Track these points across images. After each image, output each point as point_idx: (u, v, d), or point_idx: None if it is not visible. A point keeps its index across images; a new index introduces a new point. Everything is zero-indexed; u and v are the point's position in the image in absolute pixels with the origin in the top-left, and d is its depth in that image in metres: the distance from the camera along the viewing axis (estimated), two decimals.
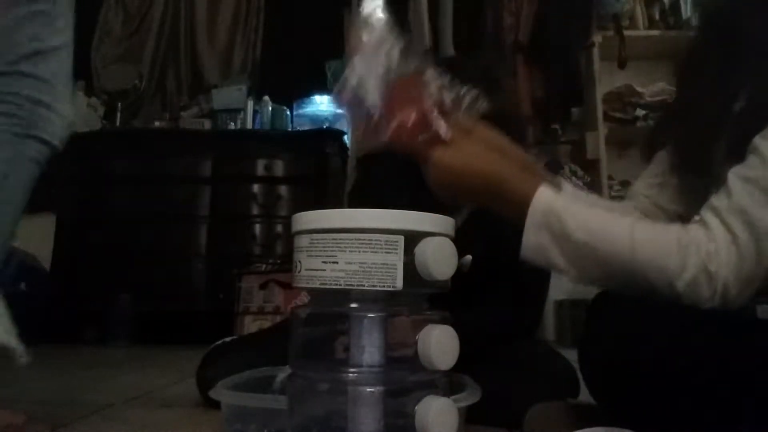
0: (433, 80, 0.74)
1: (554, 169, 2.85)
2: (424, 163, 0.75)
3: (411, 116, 0.72)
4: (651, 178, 0.93)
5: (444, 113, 0.74)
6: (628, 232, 0.70)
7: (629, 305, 0.70)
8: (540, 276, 1.18)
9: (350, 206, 1.05)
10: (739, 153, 0.70)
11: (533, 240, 0.72)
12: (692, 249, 0.67)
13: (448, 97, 0.75)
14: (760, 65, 0.73)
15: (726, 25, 0.77)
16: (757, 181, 0.67)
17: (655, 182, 0.91)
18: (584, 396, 0.84)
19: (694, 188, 0.79)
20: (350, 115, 0.73)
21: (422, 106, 0.73)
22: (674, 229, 0.70)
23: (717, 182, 0.71)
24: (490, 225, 0.88)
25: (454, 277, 0.61)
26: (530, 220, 0.72)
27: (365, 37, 0.71)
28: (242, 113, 3.00)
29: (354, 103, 0.72)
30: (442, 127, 0.73)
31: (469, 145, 0.75)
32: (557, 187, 0.83)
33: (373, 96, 0.71)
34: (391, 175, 1.11)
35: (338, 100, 0.71)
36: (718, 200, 0.69)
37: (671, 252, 0.67)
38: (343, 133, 2.93)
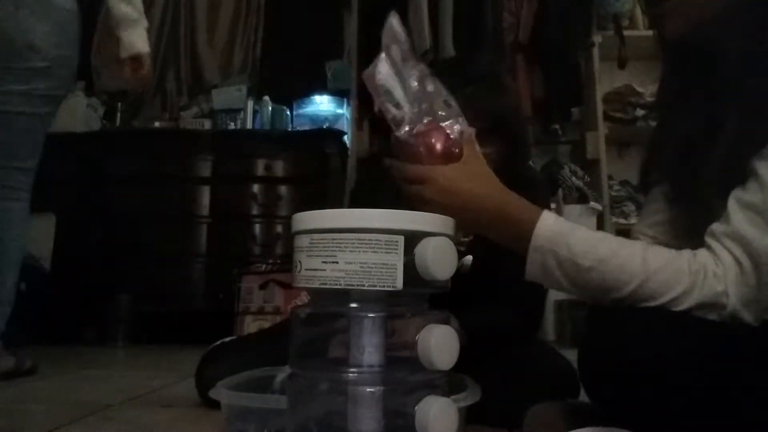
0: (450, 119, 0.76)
1: (554, 169, 2.86)
2: (427, 179, 0.75)
3: (433, 134, 0.74)
4: (651, 216, 0.92)
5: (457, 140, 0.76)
6: (641, 259, 0.70)
7: (630, 308, 0.70)
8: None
9: (351, 206, 1.05)
10: (731, 179, 0.70)
11: (539, 261, 0.73)
12: (701, 274, 0.68)
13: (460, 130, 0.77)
14: (745, 90, 0.72)
15: (706, 51, 0.76)
16: (755, 206, 0.67)
17: (656, 220, 0.91)
18: (584, 396, 0.84)
19: (694, 220, 0.78)
20: (374, 95, 0.74)
21: (441, 129, 0.75)
22: (685, 256, 0.70)
23: (713, 210, 0.71)
24: None
25: (455, 279, 0.61)
26: (535, 242, 0.73)
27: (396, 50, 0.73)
28: (242, 113, 3.01)
29: (380, 92, 0.72)
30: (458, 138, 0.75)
31: (477, 167, 0.77)
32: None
33: (399, 94, 0.72)
34: (392, 175, 1.11)
35: (369, 81, 0.71)
36: (718, 226, 0.69)
37: (682, 279, 0.68)
38: (343, 133, 2.93)
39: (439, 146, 0.74)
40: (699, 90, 0.78)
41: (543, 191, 1.28)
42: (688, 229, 0.79)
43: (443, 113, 0.75)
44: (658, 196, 0.90)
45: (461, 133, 0.76)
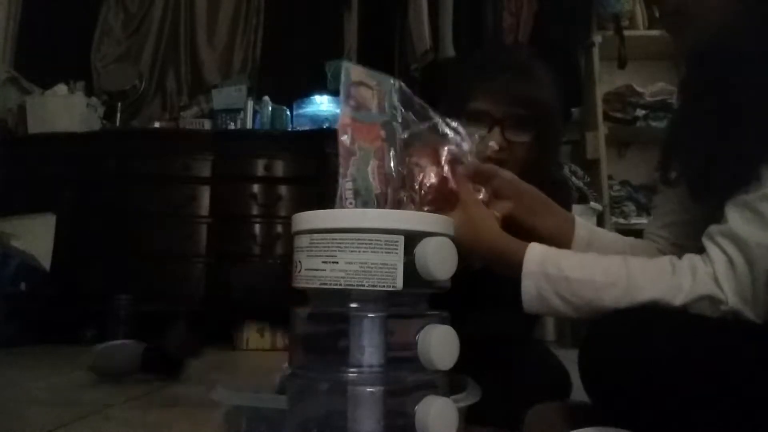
0: (446, 143, 0.78)
1: (554, 169, 2.85)
2: None
3: (432, 190, 0.76)
4: (661, 217, 0.93)
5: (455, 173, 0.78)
6: (622, 259, 0.73)
7: (630, 308, 0.71)
8: None
9: None
10: (742, 184, 0.69)
11: (532, 286, 0.75)
12: (687, 271, 0.68)
13: (460, 150, 0.79)
14: (760, 95, 0.71)
15: (722, 55, 0.75)
16: (751, 204, 0.67)
17: (667, 221, 0.92)
18: (581, 396, 0.84)
19: (710, 221, 0.78)
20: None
21: (440, 178, 0.77)
22: (667, 257, 0.72)
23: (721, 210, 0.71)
24: None
25: (454, 280, 0.61)
26: (526, 269, 0.75)
27: (366, 96, 0.71)
28: (242, 113, 3.00)
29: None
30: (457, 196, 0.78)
31: (476, 214, 0.80)
32: (571, 222, 0.90)
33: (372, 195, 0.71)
34: None
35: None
36: (715, 226, 0.70)
37: (665, 275, 0.69)
38: None
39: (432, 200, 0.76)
40: (715, 94, 0.77)
41: (568, 195, 1.28)
42: (700, 230, 0.79)
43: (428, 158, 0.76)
44: (672, 197, 0.90)
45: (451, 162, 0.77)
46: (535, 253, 0.76)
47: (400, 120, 0.74)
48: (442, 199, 0.77)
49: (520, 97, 1.03)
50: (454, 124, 0.80)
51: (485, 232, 0.80)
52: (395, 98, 0.74)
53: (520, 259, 0.76)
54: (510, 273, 0.78)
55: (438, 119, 0.78)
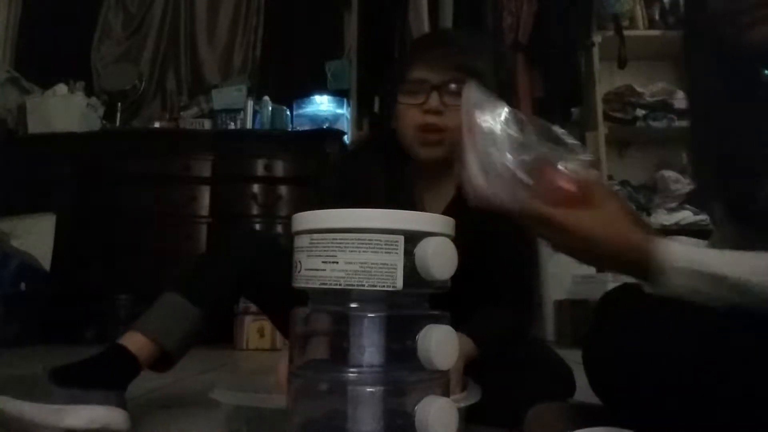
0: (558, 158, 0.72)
1: None
2: (555, 225, 0.71)
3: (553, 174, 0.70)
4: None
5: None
6: (753, 253, 0.67)
7: (636, 303, 0.70)
8: (532, 273, 1.18)
9: (337, 201, 1.10)
10: None
11: (685, 284, 0.68)
12: None
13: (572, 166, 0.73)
14: None
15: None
16: None
17: (716, 236, 0.86)
18: (583, 396, 0.84)
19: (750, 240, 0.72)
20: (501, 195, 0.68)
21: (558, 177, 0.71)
22: None
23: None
24: (484, 224, 0.87)
25: (453, 280, 0.61)
26: (673, 267, 0.68)
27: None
28: (242, 113, 3.01)
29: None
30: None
31: (615, 207, 0.74)
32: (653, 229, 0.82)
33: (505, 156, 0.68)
34: (365, 173, 1.14)
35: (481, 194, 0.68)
36: None
37: None
38: (343, 133, 2.93)
39: (562, 187, 0.70)
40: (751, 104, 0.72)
41: None
42: (747, 243, 0.72)
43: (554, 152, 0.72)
44: (711, 212, 0.86)
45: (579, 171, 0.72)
46: (677, 251, 0.69)
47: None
48: (572, 201, 0.70)
49: (456, 65, 1.11)
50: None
51: (622, 225, 0.72)
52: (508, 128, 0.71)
53: (651, 254, 0.69)
54: (632, 268, 0.72)
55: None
